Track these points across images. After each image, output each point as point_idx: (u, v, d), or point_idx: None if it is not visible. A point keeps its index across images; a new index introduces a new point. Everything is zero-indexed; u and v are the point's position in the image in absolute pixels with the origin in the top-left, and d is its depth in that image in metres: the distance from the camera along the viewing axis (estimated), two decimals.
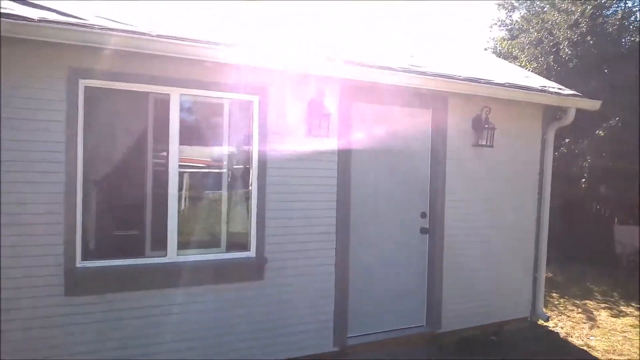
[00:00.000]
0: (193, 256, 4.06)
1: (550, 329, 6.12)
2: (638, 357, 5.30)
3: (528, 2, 12.72)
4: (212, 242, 4.26)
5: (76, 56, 3.46)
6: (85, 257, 3.68)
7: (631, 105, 9.55)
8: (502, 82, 5.29)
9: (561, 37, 10.37)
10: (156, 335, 3.89)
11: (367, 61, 4.49)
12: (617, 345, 5.65)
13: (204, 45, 3.60)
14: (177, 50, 3.51)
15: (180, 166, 3.95)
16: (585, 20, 10.30)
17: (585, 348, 5.57)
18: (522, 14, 12.91)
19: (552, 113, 5.94)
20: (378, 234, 5.02)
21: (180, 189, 4.00)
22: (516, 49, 11.65)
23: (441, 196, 5.23)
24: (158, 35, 3.45)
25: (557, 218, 8.81)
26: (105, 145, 3.86)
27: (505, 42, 12.80)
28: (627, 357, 5.31)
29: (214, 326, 4.12)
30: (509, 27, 13.48)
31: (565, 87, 6.30)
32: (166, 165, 3.89)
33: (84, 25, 3.27)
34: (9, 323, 3.42)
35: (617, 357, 5.30)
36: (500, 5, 13.61)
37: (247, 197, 4.27)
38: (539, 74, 9.22)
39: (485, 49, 14.20)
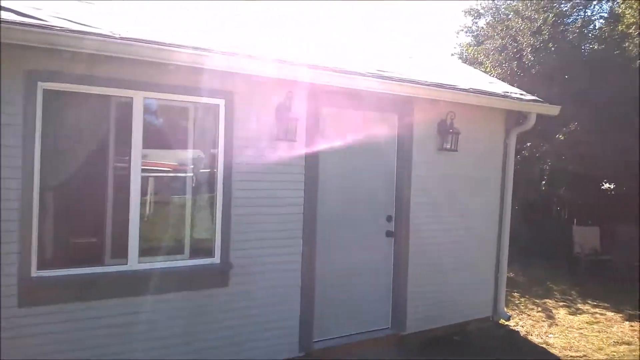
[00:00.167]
0: (155, 264, 3.97)
1: (511, 327, 6.30)
2: (592, 353, 5.51)
3: (493, 9, 13.04)
4: (175, 249, 4.19)
5: (35, 58, 3.34)
6: (41, 267, 3.53)
7: (589, 111, 9.91)
8: (467, 88, 5.41)
9: (524, 43, 10.67)
10: (119, 346, 3.80)
11: (334, 66, 4.52)
12: (574, 342, 5.86)
13: (167, 48, 3.53)
14: (140, 52, 3.43)
15: (143, 170, 3.87)
16: (547, 28, 10.63)
17: (544, 346, 5.76)
18: (487, 21, 13.23)
19: (514, 118, 6.11)
20: (345, 237, 5.06)
21: (143, 194, 3.91)
22: (481, 54, 11.92)
23: (407, 200, 5.30)
24: (121, 38, 3.37)
25: (519, 220, 9.07)
26: (65, 150, 3.74)
27: (471, 48, 13.08)
28: (582, 353, 5.52)
29: (179, 334, 4.05)
30: (475, 33, 13.80)
31: (529, 92, 6.50)
32: (128, 170, 3.80)
33: (42, 27, 3.16)
34: None
35: (573, 354, 5.50)
36: (466, 12, 13.90)
37: (212, 202, 4.23)
38: (503, 79, 9.48)
39: (452, 54, 14.50)
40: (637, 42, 11.61)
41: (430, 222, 5.49)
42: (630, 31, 12.08)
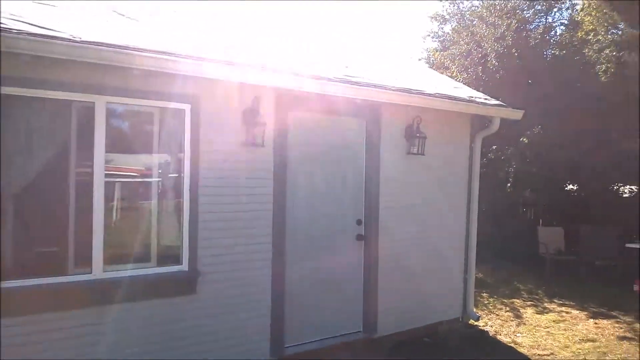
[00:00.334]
0: (121, 272, 3.88)
1: (480, 328, 6.41)
2: (559, 350, 5.64)
3: (458, 15, 13.33)
4: (142, 257, 4.09)
5: None
6: (3, 278, 3.40)
7: (552, 115, 10.22)
8: (433, 93, 5.49)
9: (489, 49, 10.94)
10: (87, 356, 3.70)
11: (301, 71, 4.52)
12: (541, 341, 6.00)
13: (129, 52, 3.45)
14: (101, 56, 3.35)
15: (107, 176, 3.78)
16: (510, 34, 10.93)
17: (512, 345, 5.87)
18: (453, 27, 13.52)
19: (479, 122, 6.24)
20: (315, 242, 5.05)
21: (108, 200, 3.82)
22: (448, 59, 12.16)
23: (376, 203, 5.34)
24: (82, 42, 3.29)
25: (486, 221, 9.24)
26: (26, 157, 3.60)
27: (438, 53, 13.33)
28: (550, 351, 5.65)
29: (148, 343, 3.97)
30: (441, 38, 14.07)
31: (494, 97, 6.65)
32: (91, 176, 3.70)
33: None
34: None
35: (541, 352, 5.62)
36: (432, 17, 14.16)
37: (179, 208, 4.16)
38: (469, 84, 9.67)
39: (420, 59, 14.71)
40: (596, 48, 12.06)
41: (399, 225, 5.54)
42: (589, 37, 12.54)
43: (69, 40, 3.27)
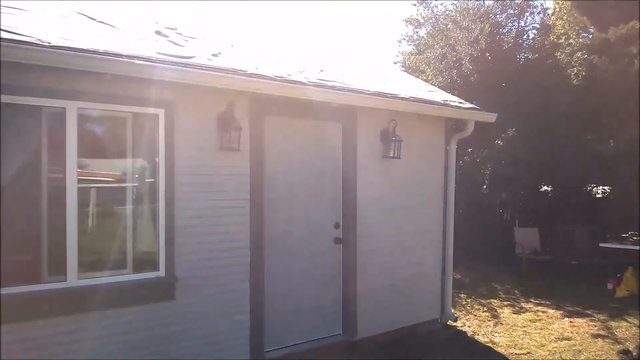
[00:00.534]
0: (96, 279, 3.82)
1: (458, 328, 6.47)
2: (535, 349, 5.74)
3: (432, 19, 13.51)
4: (118, 263, 4.04)
5: None
6: None
7: (526, 117, 10.43)
8: (408, 97, 5.55)
9: (463, 53, 11.12)
10: None
11: (275, 75, 4.52)
12: (518, 340, 6.08)
13: (99, 57, 3.41)
14: (70, 62, 3.30)
15: (81, 182, 3.72)
16: (484, 38, 11.13)
17: (490, 345, 5.94)
18: (427, 31, 13.70)
19: (454, 125, 6.33)
20: (293, 246, 5.05)
21: (82, 206, 3.76)
22: (423, 63, 12.31)
23: (353, 207, 5.36)
24: (51, 47, 3.24)
25: (463, 223, 9.37)
26: None
27: (413, 56, 13.49)
28: (526, 350, 5.73)
29: (125, 350, 3.91)
30: (416, 42, 14.23)
31: (468, 100, 6.76)
32: (64, 182, 3.64)
33: None
34: None
35: (518, 351, 5.70)
36: (407, 21, 14.32)
37: (155, 214, 4.11)
38: (444, 87, 9.82)
39: (395, 63, 14.88)
40: (568, 51, 12.37)
41: (377, 228, 5.57)
42: (561, 41, 12.86)
43: (37, 45, 3.21)
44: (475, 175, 11.08)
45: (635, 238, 9.01)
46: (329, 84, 4.88)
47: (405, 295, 5.87)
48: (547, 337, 6.16)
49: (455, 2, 12.76)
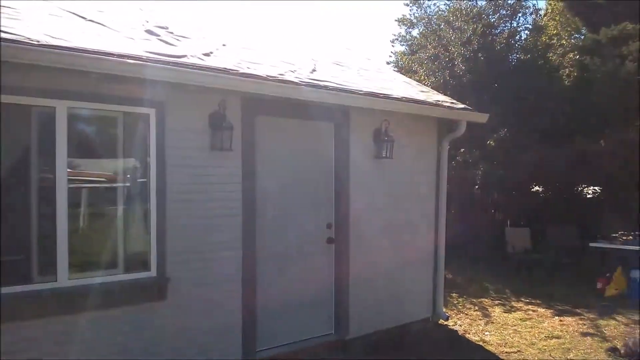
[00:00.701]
0: (87, 280, 3.81)
1: (450, 327, 6.51)
2: (526, 348, 5.78)
3: (425, 19, 13.54)
4: (109, 263, 4.02)
5: None
6: None
7: (518, 118, 10.49)
8: (400, 97, 5.57)
9: (455, 53, 11.16)
10: None
11: (268, 75, 4.52)
12: (508, 338, 6.13)
13: (89, 56, 3.39)
14: (60, 60, 3.27)
15: (71, 182, 3.71)
16: (476, 38, 11.17)
17: (480, 343, 5.98)
18: (420, 31, 13.73)
19: (446, 125, 6.35)
20: (285, 246, 5.05)
21: (73, 206, 3.75)
22: (415, 63, 12.34)
23: (345, 207, 5.38)
24: (40, 45, 3.22)
25: (455, 223, 9.41)
26: None
27: (406, 57, 13.51)
28: (517, 348, 5.78)
29: (117, 351, 3.90)
30: (409, 42, 14.26)
31: (460, 100, 6.78)
32: (54, 182, 3.63)
33: None
34: None
35: (508, 349, 5.74)
36: (399, 21, 14.34)
37: (147, 214, 4.10)
38: (436, 88, 9.84)
39: (388, 63, 14.90)
40: (560, 52, 12.47)
41: (369, 228, 5.58)
42: (553, 42, 12.96)
43: (26, 43, 3.19)
44: (467, 175, 11.13)
45: (624, 238, 9.10)
46: (322, 84, 4.88)
47: (397, 295, 5.89)
48: (537, 336, 6.21)
49: (448, 2, 12.82)
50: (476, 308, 7.47)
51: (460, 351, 5.70)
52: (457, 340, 6.09)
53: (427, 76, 11.49)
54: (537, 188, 12.53)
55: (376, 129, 5.54)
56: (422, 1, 13.61)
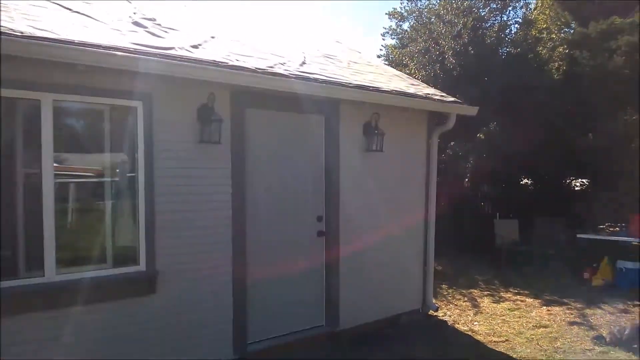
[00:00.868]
0: (75, 274, 3.79)
1: (439, 318, 6.57)
2: (514, 337, 5.85)
3: (416, 12, 13.50)
4: (97, 258, 4.01)
5: None
6: None
7: (508, 112, 10.54)
8: (390, 90, 5.57)
9: (446, 47, 11.15)
10: None
11: (257, 67, 4.50)
12: (497, 328, 6.21)
13: (75, 48, 3.35)
14: (45, 52, 3.24)
15: (58, 176, 3.69)
16: (467, 32, 11.17)
17: (469, 333, 6.05)
18: (411, 24, 13.67)
19: (436, 118, 6.38)
20: (276, 239, 5.06)
21: (60, 201, 3.73)
22: (406, 57, 12.32)
23: (336, 200, 5.39)
24: (23, 36, 3.18)
25: (445, 215, 9.45)
26: None
27: (397, 50, 13.48)
28: (505, 337, 5.85)
29: (107, 345, 3.91)
30: (400, 36, 14.19)
31: (450, 94, 6.80)
32: (40, 177, 3.59)
33: None
34: None
35: (496, 339, 5.82)
36: (390, 15, 14.30)
37: (135, 208, 4.08)
38: (427, 81, 9.85)
39: (379, 56, 14.87)
40: (550, 46, 12.51)
41: (359, 221, 5.61)
42: (543, 36, 13.00)
43: (9, 35, 3.14)
44: (457, 168, 11.17)
45: (611, 229, 9.23)
46: (311, 76, 4.88)
47: (387, 287, 5.93)
48: (525, 325, 6.29)
49: None
50: (465, 299, 7.54)
51: (449, 341, 5.76)
52: (447, 331, 6.15)
53: (417, 70, 11.48)
54: (525, 180, 12.62)
55: (366, 122, 5.55)
56: None
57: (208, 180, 4.43)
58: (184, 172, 4.27)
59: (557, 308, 7.02)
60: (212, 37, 5.11)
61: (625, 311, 6.81)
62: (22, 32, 3.22)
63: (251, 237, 4.79)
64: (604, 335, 5.69)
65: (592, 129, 10.48)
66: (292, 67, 4.96)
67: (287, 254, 5.15)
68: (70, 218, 3.94)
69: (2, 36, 3.08)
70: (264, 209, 4.95)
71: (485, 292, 7.95)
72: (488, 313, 6.84)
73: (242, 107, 4.62)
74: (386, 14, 14.40)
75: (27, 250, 3.72)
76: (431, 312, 6.54)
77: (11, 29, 3.21)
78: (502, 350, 5.48)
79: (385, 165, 5.81)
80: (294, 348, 5.03)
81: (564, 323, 6.36)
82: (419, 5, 13.64)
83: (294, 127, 5.18)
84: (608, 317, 6.55)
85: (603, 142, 9.79)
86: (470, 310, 6.99)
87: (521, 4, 12.97)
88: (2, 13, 3.48)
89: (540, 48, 12.52)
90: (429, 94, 6.24)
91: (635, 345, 5.35)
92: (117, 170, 4.16)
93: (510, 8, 12.75)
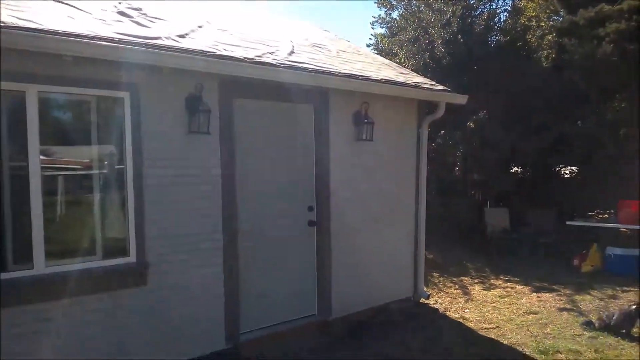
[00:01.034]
0: (64, 266, 3.77)
1: (431, 305, 6.63)
2: (504, 323, 5.92)
3: (405, 1, 13.44)
4: (87, 250, 3.97)
5: None
6: None
7: (497, 100, 10.57)
8: (379, 79, 5.57)
9: (435, 35, 11.13)
10: (28, 356, 3.58)
11: (245, 57, 4.46)
12: (487, 315, 6.28)
13: (58, 38, 3.30)
14: (28, 43, 3.18)
15: (45, 169, 3.65)
16: (456, 20, 11.15)
17: (460, 320, 6.12)
18: (400, 13, 13.61)
19: (426, 107, 6.38)
20: (268, 229, 5.05)
21: (48, 194, 3.69)
22: (396, 46, 12.28)
23: (326, 189, 5.39)
24: (5, 27, 3.11)
25: (435, 203, 9.51)
26: None
27: (386, 39, 13.44)
28: (495, 324, 5.92)
29: (99, 337, 3.89)
30: (389, 24, 14.12)
31: (441, 83, 6.81)
32: (26, 169, 3.56)
33: None
34: None
35: (487, 325, 5.88)
36: (379, 3, 14.21)
37: (124, 200, 4.06)
38: (417, 70, 9.84)
39: (368, 45, 14.81)
40: (539, 34, 12.54)
41: (350, 210, 5.61)
42: (532, 24, 13.03)
43: None
44: (447, 157, 11.20)
45: (600, 216, 9.33)
46: (300, 65, 4.85)
47: (379, 275, 5.96)
48: (515, 312, 6.37)
49: None
50: (456, 287, 7.61)
51: (441, 328, 5.81)
52: (438, 318, 6.20)
53: (407, 59, 11.45)
54: (515, 169, 12.69)
55: (356, 111, 5.54)
56: None
57: (197, 171, 4.40)
58: (173, 162, 4.24)
59: (547, 294, 7.11)
60: (199, 27, 5.06)
61: (614, 297, 6.91)
62: (4, 23, 3.16)
63: (242, 228, 4.78)
64: (593, 320, 5.76)
65: (581, 116, 10.54)
66: (280, 57, 4.93)
67: (278, 244, 5.15)
68: (59, 210, 3.91)
69: None
70: (254, 199, 4.94)
71: (476, 280, 8.02)
72: (479, 300, 6.91)
73: (230, 97, 4.59)
74: (375, 2, 14.31)
75: (16, 242, 3.67)
76: (423, 300, 6.59)
77: None
78: (493, 336, 5.54)
79: (376, 154, 5.81)
80: (287, 337, 5.05)
81: (553, 309, 6.44)
82: None
83: (284, 117, 5.16)
84: (597, 303, 6.64)
85: (592, 130, 9.86)
86: (461, 297, 7.06)
87: None
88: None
89: (530, 36, 12.54)
90: (418, 82, 6.23)
91: (624, 330, 5.43)
92: (106, 162, 4.12)
93: None
